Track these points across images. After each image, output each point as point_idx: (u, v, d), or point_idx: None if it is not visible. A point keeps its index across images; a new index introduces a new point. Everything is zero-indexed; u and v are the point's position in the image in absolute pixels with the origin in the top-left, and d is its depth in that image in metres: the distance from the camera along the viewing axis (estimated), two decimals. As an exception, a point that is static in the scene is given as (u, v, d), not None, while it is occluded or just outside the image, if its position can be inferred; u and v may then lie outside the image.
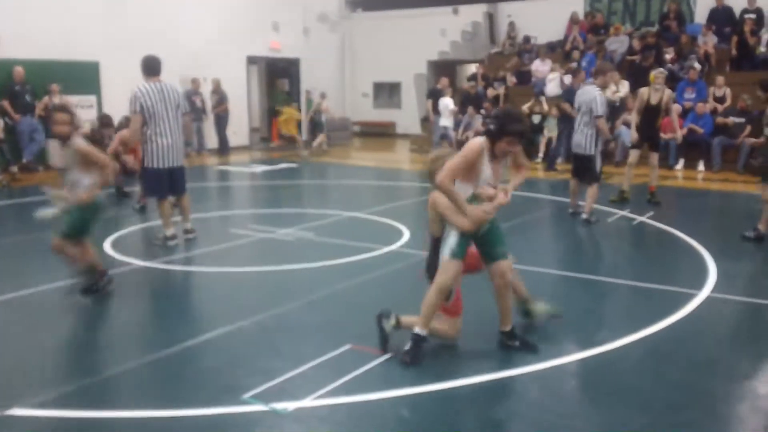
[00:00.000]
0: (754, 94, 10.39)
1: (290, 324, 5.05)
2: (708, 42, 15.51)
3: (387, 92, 22.22)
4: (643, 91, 9.79)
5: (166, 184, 7.39)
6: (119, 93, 11.94)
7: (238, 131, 18.12)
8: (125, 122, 10.25)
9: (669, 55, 15.65)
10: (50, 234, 5.60)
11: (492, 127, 4.15)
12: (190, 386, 4.06)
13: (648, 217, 8.87)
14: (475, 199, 4.23)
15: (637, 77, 14.04)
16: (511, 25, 19.53)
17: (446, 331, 4.51)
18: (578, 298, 5.82)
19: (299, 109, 18.73)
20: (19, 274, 6.35)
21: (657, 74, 9.65)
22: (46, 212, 5.69)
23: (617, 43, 16.55)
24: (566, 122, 12.85)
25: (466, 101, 16.24)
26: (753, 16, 15.40)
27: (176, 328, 5.01)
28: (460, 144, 13.30)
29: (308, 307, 5.41)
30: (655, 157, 9.95)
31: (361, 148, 19.70)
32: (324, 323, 5.05)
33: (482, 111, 15.63)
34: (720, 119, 13.64)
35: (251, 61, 18.94)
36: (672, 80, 13.59)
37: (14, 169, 12.52)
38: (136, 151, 9.29)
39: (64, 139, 5.50)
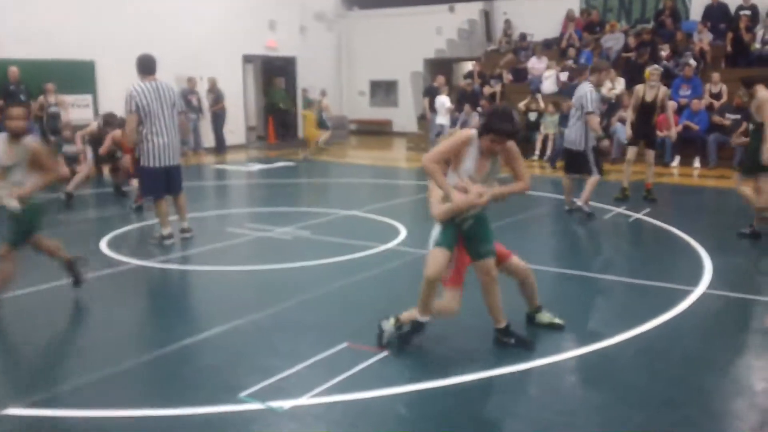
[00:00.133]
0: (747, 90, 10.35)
1: (287, 322, 5.05)
2: (703, 39, 15.54)
3: (384, 90, 22.18)
4: (639, 88, 9.80)
5: (163, 183, 7.38)
6: (115, 92, 11.89)
7: (235, 130, 18.10)
8: (113, 120, 10.20)
9: (664, 52, 15.66)
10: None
11: (480, 122, 4.27)
12: (186, 385, 4.06)
13: (644, 214, 8.89)
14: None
15: (633, 74, 14.06)
16: (507, 22, 19.53)
17: (447, 307, 4.42)
18: (574, 295, 5.83)
19: (295, 106, 18.63)
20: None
21: (652, 71, 9.64)
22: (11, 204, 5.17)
23: (613, 41, 16.58)
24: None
25: (463, 99, 16.23)
26: (748, 12, 15.42)
27: (173, 327, 5.01)
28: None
29: (305, 306, 5.40)
30: (651, 155, 9.96)
31: (358, 146, 19.69)
32: (321, 321, 5.05)
33: (479, 108, 15.63)
34: (716, 118, 13.65)
35: (247, 59, 18.91)
36: (667, 77, 13.62)
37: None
38: (131, 151, 9.27)
39: (18, 135, 5.09)
